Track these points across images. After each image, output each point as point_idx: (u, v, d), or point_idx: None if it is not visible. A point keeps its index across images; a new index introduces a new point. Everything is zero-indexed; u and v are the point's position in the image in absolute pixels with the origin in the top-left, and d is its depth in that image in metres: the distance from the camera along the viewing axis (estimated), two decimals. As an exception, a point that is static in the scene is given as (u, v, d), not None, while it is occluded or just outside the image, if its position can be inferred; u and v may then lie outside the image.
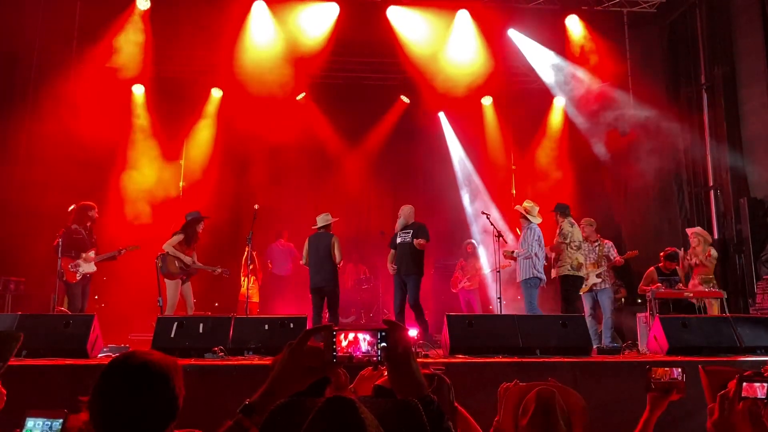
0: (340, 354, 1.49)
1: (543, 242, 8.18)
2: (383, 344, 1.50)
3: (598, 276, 8.50)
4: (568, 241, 8.29)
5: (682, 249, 8.86)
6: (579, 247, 8.37)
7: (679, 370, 2.33)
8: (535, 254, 8.04)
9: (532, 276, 7.99)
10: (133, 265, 9.22)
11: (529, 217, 8.28)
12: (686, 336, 6.51)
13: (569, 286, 8.27)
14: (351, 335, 1.51)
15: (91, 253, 8.01)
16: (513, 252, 8.23)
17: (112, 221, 10.02)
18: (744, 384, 1.96)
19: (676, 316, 7.55)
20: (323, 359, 1.50)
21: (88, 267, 7.97)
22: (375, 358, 1.50)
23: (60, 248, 7.61)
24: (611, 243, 8.76)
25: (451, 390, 2.24)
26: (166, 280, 8.03)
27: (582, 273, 8.32)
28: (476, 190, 12.39)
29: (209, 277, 9.17)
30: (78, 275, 7.86)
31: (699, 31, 10.85)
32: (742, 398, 1.95)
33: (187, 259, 8.13)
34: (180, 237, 8.18)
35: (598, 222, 8.97)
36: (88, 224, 8.12)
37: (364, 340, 1.50)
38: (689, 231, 8.89)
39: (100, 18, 10.20)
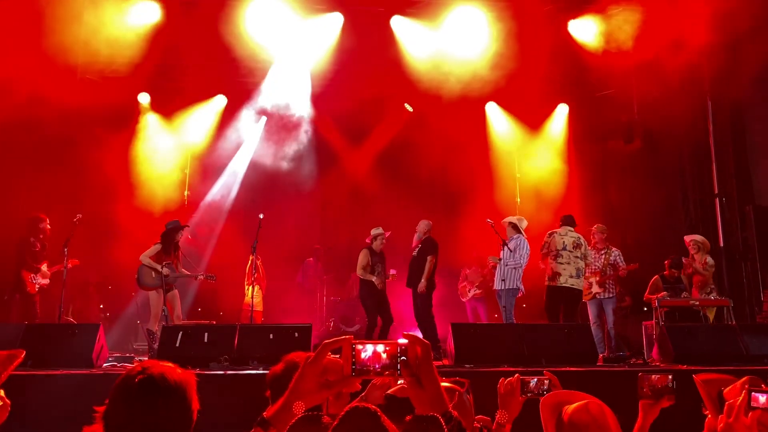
0: (359, 367, 1.46)
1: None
2: (403, 358, 1.46)
3: (601, 285, 8.47)
4: (544, 251, 8.40)
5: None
6: (557, 256, 8.23)
7: (670, 377, 2.34)
8: (521, 266, 8.19)
9: (516, 286, 8.10)
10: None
11: (520, 227, 8.38)
12: (692, 344, 6.50)
13: (546, 296, 8.39)
14: (370, 348, 1.47)
15: (44, 266, 8.17)
16: (499, 260, 8.26)
17: (117, 228, 10.05)
18: (753, 394, 1.94)
19: (682, 324, 7.52)
20: (342, 372, 1.46)
21: (43, 279, 8.13)
22: (395, 372, 1.46)
23: (20, 260, 7.92)
24: (618, 251, 8.71)
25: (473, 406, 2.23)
26: (149, 293, 7.91)
27: (559, 282, 8.14)
28: (479, 197, 12.37)
29: (213, 285, 9.17)
30: (36, 287, 8.00)
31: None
32: (752, 408, 1.94)
33: (164, 270, 7.82)
34: (158, 247, 7.96)
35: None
36: (41, 236, 8.24)
37: (384, 353, 1.46)
38: (687, 238, 8.86)
39: (105, 25, 10.20)
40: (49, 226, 8.29)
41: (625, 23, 10.25)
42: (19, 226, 8.65)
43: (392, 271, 8.72)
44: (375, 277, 8.45)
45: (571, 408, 2.10)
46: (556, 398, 2.24)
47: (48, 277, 8.19)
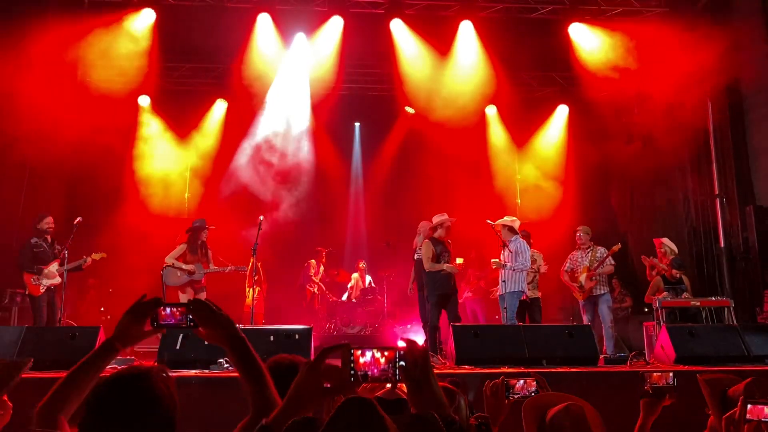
0: (358, 373, 1.46)
1: None
2: (402, 363, 1.47)
3: (591, 279, 8.46)
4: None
5: (653, 257, 8.86)
6: None
7: (671, 375, 2.33)
8: (527, 267, 8.21)
9: (520, 289, 8.08)
10: (139, 276, 9.24)
11: (515, 228, 8.33)
12: (693, 345, 6.48)
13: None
14: (369, 353, 1.47)
15: (54, 266, 7.87)
16: (504, 264, 8.16)
17: (118, 231, 10.05)
18: (749, 406, 1.94)
19: (683, 325, 7.50)
20: (341, 378, 1.47)
21: (51, 279, 7.87)
22: (393, 377, 1.47)
23: (20, 263, 7.75)
24: (604, 248, 8.71)
25: (467, 407, 2.21)
26: (179, 293, 8.03)
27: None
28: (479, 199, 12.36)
29: (215, 288, 9.16)
30: (42, 288, 7.78)
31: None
32: (747, 420, 1.93)
33: (189, 267, 8.04)
34: (183, 247, 8.13)
35: (603, 231, 8.94)
36: (46, 235, 8.01)
37: (383, 358, 1.47)
38: (659, 240, 8.87)
39: (106, 29, 10.20)
40: (52, 226, 8.07)
41: (626, 28, 10.28)
42: (23, 230, 8.66)
43: (458, 260, 7.99)
44: (445, 265, 7.72)
45: (552, 411, 2.08)
46: (538, 401, 2.21)
47: (55, 276, 7.88)
